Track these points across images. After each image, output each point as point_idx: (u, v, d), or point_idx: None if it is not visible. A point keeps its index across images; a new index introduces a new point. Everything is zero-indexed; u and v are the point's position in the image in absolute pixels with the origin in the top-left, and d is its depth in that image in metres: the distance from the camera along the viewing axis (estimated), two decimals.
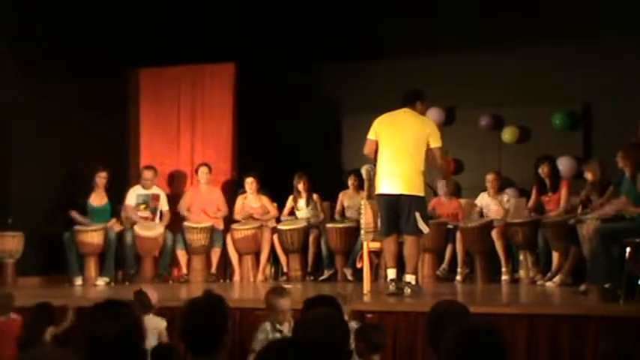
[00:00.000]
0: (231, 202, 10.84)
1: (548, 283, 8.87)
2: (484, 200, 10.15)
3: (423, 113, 8.15)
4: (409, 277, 7.76)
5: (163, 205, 10.76)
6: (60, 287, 9.73)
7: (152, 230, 10.36)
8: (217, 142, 11.37)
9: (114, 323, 3.46)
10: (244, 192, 10.78)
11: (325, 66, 11.75)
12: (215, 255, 10.53)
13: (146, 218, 10.56)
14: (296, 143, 11.54)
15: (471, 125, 11.21)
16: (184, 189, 11.25)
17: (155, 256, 10.42)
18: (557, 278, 8.82)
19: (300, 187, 10.62)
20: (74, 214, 10.31)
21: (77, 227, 10.16)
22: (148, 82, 11.68)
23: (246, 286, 10.11)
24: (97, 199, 10.48)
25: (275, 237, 10.46)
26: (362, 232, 8.25)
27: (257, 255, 10.47)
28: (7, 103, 10.13)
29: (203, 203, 10.78)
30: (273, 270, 10.71)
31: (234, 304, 6.53)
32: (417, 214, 7.70)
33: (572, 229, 8.55)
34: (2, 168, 10.11)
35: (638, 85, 10.00)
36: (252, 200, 10.75)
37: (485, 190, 10.19)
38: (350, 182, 10.61)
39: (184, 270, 10.46)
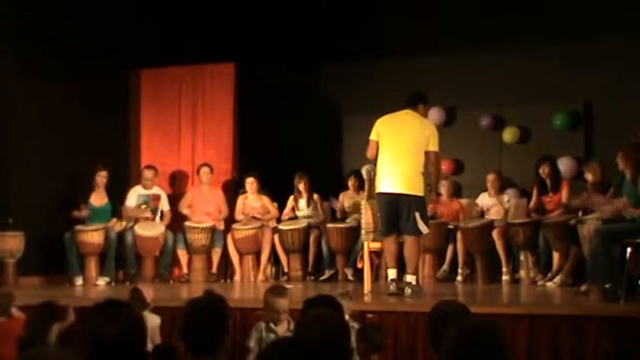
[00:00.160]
0: (231, 202, 10.84)
1: (548, 284, 8.87)
2: (485, 200, 10.15)
3: (424, 116, 8.19)
4: (410, 278, 7.77)
5: (164, 205, 10.76)
6: (61, 287, 9.73)
7: (153, 230, 10.36)
8: (218, 142, 11.37)
9: (116, 323, 3.46)
10: (245, 192, 10.78)
11: (325, 66, 11.74)
12: (216, 255, 10.53)
13: (147, 218, 10.56)
14: (296, 143, 11.54)
15: (471, 125, 11.20)
16: (185, 189, 11.25)
17: (156, 255, 10.42)
18: (557, 278, 8.82)
19: (301, 187, 10.62)
20: (75, 214, 10.30)
21: (78, 227, 10.16)
22: (149, 82, 11.68)
23: (247, 286, 10.11)
24: (98, 199, 10.48)
25: (276, 237, 10.46)
26: (362, 232, 8.26)
27: (258, 255, 10.47)
28: (7, 103, 10.13)
29: (205, 204, 10.78)
30: (273, 270, 10.71)
31: (234, 304, 6.53)
32: (417, 214, 7.70)
33: (572, 230, 8.56)
34: (3, 168, 10.11)
35: (639, 85, 9.99)
36: (252, 200, 10.75)
37: (485, 190, 10.19)
38: (350, 183, 10.61)
39: (185, 270, 10.47)
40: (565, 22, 10.40)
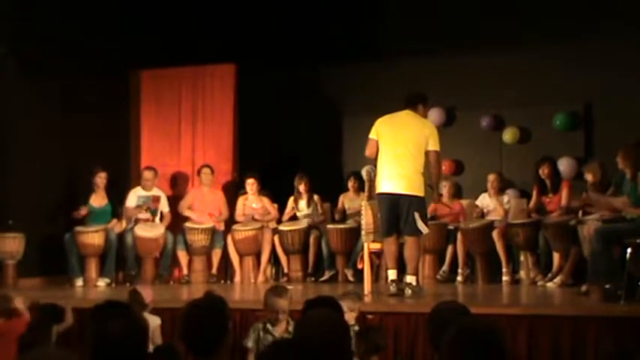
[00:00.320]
0: (232, 203, 10.84)
1: (548, 284, 8.87)
2: (485, 201, 10.15)
3: (424, 116, 8.20)
4: (410, 278, 7.76)
5: (164, 206, 10.76)
6: (61, 288, 9.73)
7: (153, 231, 10.36)
8: (218, 143, 11.37)
9: (118, 323, 3.46)
10: (245, 193, 10.78)
11: (326, 67, 11.74)
12: (216, 256, 10.53)
13: (146, 220, 10.56)
14: (297, 144, 11.55)
15: (471, 126, 11.20)
16: (186, 190, 11.24)
17: (156, 257, 10.41)
18: (557, 279, 8.82)
19: (301, 188, 10.62)
20: (75, 214, 10.29)
21: (78, 228, 10.16)
22: (149, 82, 11.68)
23: (247, 287, 10.11)
24: (98, 200, 10.48)
25: (276, 238, 10.46)
26: (363, 233, 8.25)
27: (258, 256, 10.47)
28: (7, 104, 10.13)
29: (205, 205, 10.77)
30: (273, 271, 10.71)
31: (234, 305, 6.54)
32: (417, 215, 7.70)
33: (572, 230, 8.56)
34: (3, 169, 10.11)
35: (639, 86, 9.99)
36: (253, 201, 10.75)
37: (486, 190, 10.19)
38: (350, 184, 10.61)
39: (185, 271, 10.46)
40: (565, 23, 10.40)
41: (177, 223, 10.68)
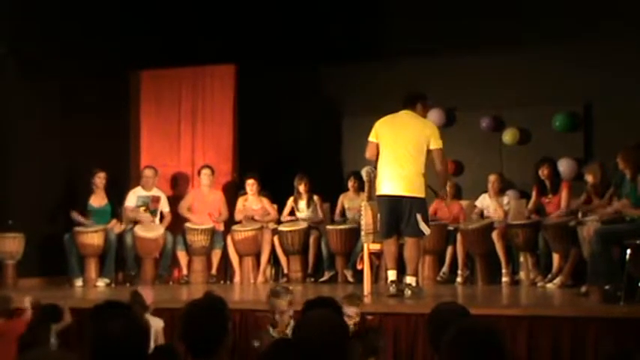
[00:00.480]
0: (231, 204, 10.83)
1: (548, 285, 8.86)
2: (485, 202, 10.15)
3: (423, 115, 8.16)
4: (410, 279, 7.76)
5: (164, 206, 10.75)
6: (60, 288, 9.73)
7: (152, 231, 10.36)
8: (218, 144, 11.37)
9: (119, 323, 3.46)
10: (245, 193, 10.77)
11: (326, 67, 11.74)
12: (216, 256, 10.53)
13: (146, 220, 10.54)
14: (296, 145, 11.56)
15: (471, 127, 11.19)
16: (186, 191, 11.24)
17: (155, 257, 10.41)
18: (557, 280, 8.82)
19: (301, 188, 10.62)
20: (75, 215, 10.30)
21: (77, 228, 10.16)
22: (149, 83, 11.68)
23: (247, 287, 10.11)
24: (97, 200, 10.48)
25: (275, 238, 10.46)
26: (362, 233, 8.25)
27: (257, 256, 10.47)
28: (7, 104, 10.13)
29: (205, 206, 10.77)
30: (273, 271, 10.71)
31: (234, 305, 6.54)
32: (419, 216, 7.69)
33: (572, 231, 8.56)
34: (3, 169, 10.11)
35: (639, 86, 9.99)
36: (252, 202, 10.74)
37: (486, 191, 10.19)
38: (350, 184, 10.61)
39: (185, 271, 10.46)
40: (565, 23, 10.40)
41: (177, 223, 10.68)
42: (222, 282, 10.49)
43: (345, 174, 11.05)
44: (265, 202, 10.78)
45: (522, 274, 9.44)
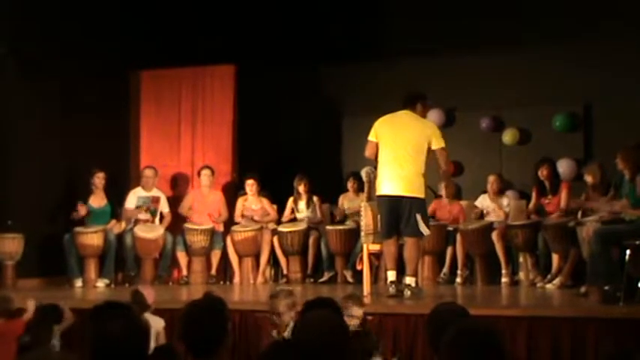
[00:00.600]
0: (231, 204, 10.83)
1: (548, 285, 8.86)
2: (484, 202, 10.15)
3: (423, 115, 8.15)
4: (409, 280, 7.75)
5: (164, 207, 10.75)
6: (60, 289, 9.73)
7: (152, 232, 10.36)
8: (218, 144, 11.37)
9: (119, 324, 3.46)
10: (245, 194, 10.77)
11: (325, 67, 11.74)
12: (215, 257, 10.52)
13: (146, 220, 10.55)
14: (296, 145, 11.56)
15: (471, 127, 11.20)
16: (185, 191, 11.24)
17: (155, 257, 10.41)
18: (557, 280, 8.82)
19: (301, 188, 10.62)
20: (74, 214, 10.28)
21: (77, 229, 10.15)
22: (149, 83, 11.68)
23: (246, 288, 10.11)
24: (97, 201, 10.47)
25: (275, 239, 10.46)
26: (362, 234, 8.24)
27: (257, 257, 10.46)
28: (7, 104, 10.13)
29: (205, 206, 10.77)
30: (273, 272, 10.70)
31: (234, 306, 6.54)
32: (418, 216, 7.69)
33: (572, 232, 8.55)
34: (2, 169, 10.11)
35: (639, 87, 9.99)
36: (252, 202, 10.75)
37: (485, 191, 10.19)
38: (349, 185, 10.61)
39: (184, 272, 10.46)
40: (565, 24, 10.40)
41: (176, 223, 10.68)
42: (221, 282, 10.49)
43: (345, 174, 11.04)
44: (265, 202, 10.78)
45: (522, 275, 9.44)
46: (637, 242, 7.24)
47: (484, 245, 9.63)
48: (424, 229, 7.75)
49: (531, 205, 9.73)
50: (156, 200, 10.67)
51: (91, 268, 10.16)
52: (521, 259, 9.46)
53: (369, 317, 6.74)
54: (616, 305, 6.85)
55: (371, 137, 7.94)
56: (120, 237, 10.29)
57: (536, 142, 10.91)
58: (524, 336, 6.53)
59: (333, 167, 11.70)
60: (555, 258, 9.03)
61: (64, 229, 10.27)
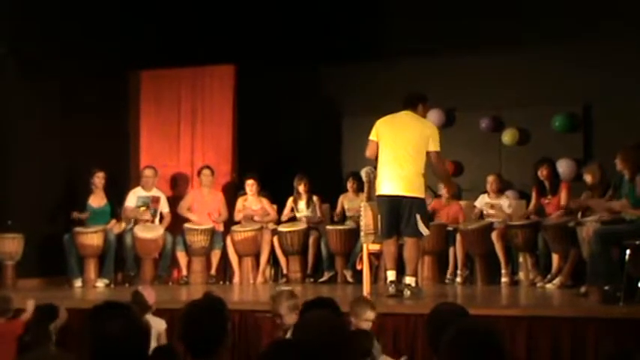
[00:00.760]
0: (231, 204, 10.83)
1: (548, 285, 8.86)
2: (484, 202, 10.14)
3: (423, 116, 8.16)
4: (409, 279, 7.75)
5: (163, 207, 10.74)
6: (60, 289, 9.73)
7: (152, 232, 10.36)
8: (217, 144, 11.37)
9: (118, 324, 3.46)
10: (244, 193, 10.77)
11: (325, 67, 11.74)
12: (215, 257, 10.52)
13: (146, 220, 10.55)
14: (296, 145, 11.56)
15: (471, 127, 11.20)
16: (185, 191, 11.23)
17: (155, 257, 10.41)
18: (557, 280, 8.82)
19: (301, 188, 10.62)
20: (75, 214, 10.28)
21: (77, 229, 10.15)
22: (149, 83, 11.68)
23: (246, 288, 10.11)
24: (97, 200, 10.47)
25: (275, 239, 10.45)
26: (362, 234, 8.25)
27: (257, 257, 10.46)
28: (7, 104, 10.13)
29: (205, 206, 10.76)
30: (272, 272, 10.70)
31: (234, 306, 6.54)
32: (418, 216, 7.69)
33: (572, 232, 8.55)
34: (2, 169, 10.10)
35: (639, 87, 9.99)
36: (252, 202, 10.75)
37: (485, 192, 10.19)
38: (349, 185, 10.60)
39: (184, 272, 10.46)
40: (564, 24, 10.41)
41: (176, 223, 10.68)
42: (221, 282, 10.49)
43: (345, 174, 11.04)
44: (265, 202, 10.78)
45: (522, 275, 9.44)
46: (637, 242, 7.24)
47: (484, 245, 9.63)
48: (424, 230, 7.75)
49: (531, 205, 9.73)
50: (156, 200, 10.67)
51: (91, 268, 10.15)
52: (521, 259, 9.47)
53: None
54: (616, 305, 6.85)
55: (372, 137, 7.94)
56: (120, 237, 10.29)
57: (536, 142, 10.91)
58: (524, 336, 6.53)
59: (333, 167, 11.70)
60: (555, 258, 9.03)
61: (64, 229, 10.27)
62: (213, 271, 10.50)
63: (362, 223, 8.21)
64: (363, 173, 8.43)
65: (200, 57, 11.35)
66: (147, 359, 3.72)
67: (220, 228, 10.69)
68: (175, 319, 5.72)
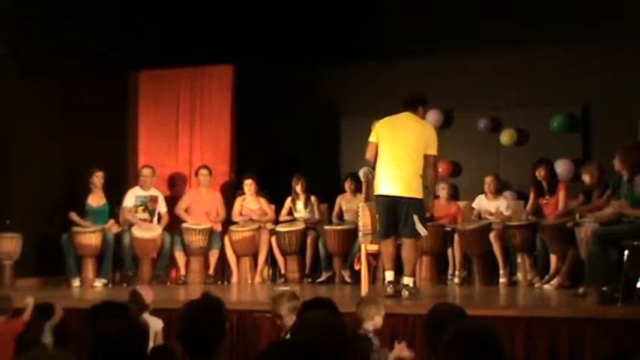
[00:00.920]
0: (229, 204, 10.83)
1: (546, 286, 8.86)
2: (482, 203, 10.14)
3: (423, 117, 8.17)
4: (407, 280, 7.76)
5: (161, 207, 10.74)
6: (58, 289, 9.72)
7: (150, 232, 10.35)
8: (216, 144, 11.37)
9: (116, 324, 3.46)
10: (243, 193, 10.77)
11: (324, 68, 11.74)
12: (213, 256, 10.52)
13: (144, 220, 10.55)
14: (294, 145, 11.56)
15: (469, 128, 11.21)
16: (183, 191, 11.24)
17: (153, 257, 10.41)
18: (555, 281, 8.82)
19: (299, 188, 10.62)
20: (73, 216, 10.29)
21: (75, 229, 10.15)
22: (148, 83, 11.68)
23: (244, 287, 10.11)
24: (95, 200, 10.47)
25: (273, 239, 10.46)
26: (360, 234, 8.25)
27: (255, 257, 10.47)
28: (7, 104, 10.13)
29: (203, 206, 10.76)
30: (270, 272, 10.70)
31: (232, 305, 6.54)
32: (416, 217, 7.70)
33: (570, 232, 8.55)
34: (1, 169, 10.10)
35: (638, 88, 9.99)
36: (250, 202, 10.75)
37: (483, 192, 10.19)
38: (347, 185, 10.60)
39: (182, 271, 10.46)
40: (563, 25, 10.41)
41: (174, 223, 10.68)
42: (219, 282, 10.49)
43: (343, 175, 11.04)
44: (263, 202, 10.78)
45: (520, 275, 9.44)
46: (635, 243, 7.24)
47: (482, 246, 9.63)
48: (421, 230, 7.75)
49: (529, 205, 9.72)
50: (154, 200, 10.67)
51: (89, 267, 10.15)
52: (519, 260, 9.47)
53: None
54: (614, 306, 6.85)
55: (372, 139, 7.95)
56: (118, 237, 10.29)
57: (534, 142, 10.91)
58: (522, 336, 6.53)
59: (332, 168, 11.70)
60: (553, 258, 9.03)
61: (63, 228, 10.27)
62: (211, 271, 10.51)
63: (360, 224, 8.22)
64: (361, 174, 8.44)
65: (199, 57, 11.35)
66: (145, 359, 3.72)
67: (218, 228, 10.70)
68: (173, 319, 5.71)
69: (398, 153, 7.74)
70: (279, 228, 10.46)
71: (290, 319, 5.58)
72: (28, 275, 10.06)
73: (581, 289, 7.70)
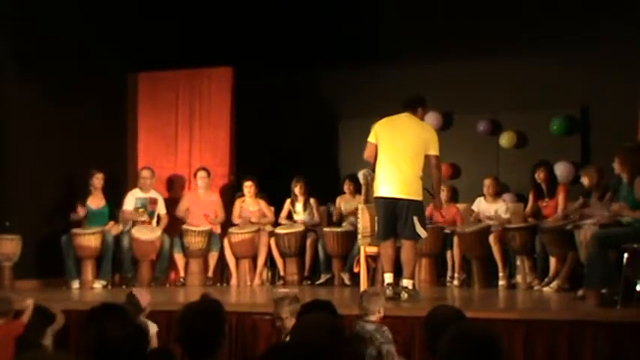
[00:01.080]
0: (229, 206, 10.83)
1: (545, 289, 8.86)
2: (481, 205, 10.13)
3: (422, 119, 8.16)
4: (406, 282, 7.76)
5: (161, 208, 10.74)
6: (57, 290, 9.72)
7: (149, 234, 10.35)
8: (215, 146, 11.37)
9: (117, 326, 3.46)
10: (242, 195, 10.77)
11: (323, 70, 11.73)
12: (212, 259, 10.52)
13: (144, 222, 10.55)
14: (293, 147, 11.55)
15: (468, 130, 11.21)
16: (182, 193, 11.23)
17: (152, 259, 10.40)
18: (554, 283, 8.82)
19: (297, 190, 10.62)
20: (72, 215, 10.27)
21: (75, 230, 10.14)
22: (147, 85, 11.68)
23: (243, 290, 10.10)
24: (95, 202, 10.46)
25: (272, 241, 10.45)
26: (359, 236, 8.25)
27: (254, 259, 10.47)
28: (7, 104, 10.13)
29: (202, 208, 10.76)
30: (270, 274, 10.70)
31: (231, 308, 6.53)
32: (415, 219, 7.69)
33: (569, 235, 8.55)
34: (0, 170, 10.09)
35: (637, 90, 9.99)
36: (250, 204, 10.74)
37: (482, 195, 10.18)
38: (346, 187, 10.59)
39: (182, 273, 10.46)
40: (562, 27, 10.41)
41: (173, 225, 10.68)
42: (218, 284, 10.49)
43: (342, 177, 11.04)
44: (262, 204, 10.78)
45: (519, 278, 9.43)
46: (635, 245, 7.23)
47: (481, 248, 9.63)
48: (421, 232, 7.75)
49: (528, 208, 9.72)
50: (153, 202, 10.67)
51: (89, 269, 10.14)
52: (518, 262, 9.46)
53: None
54: (613, 308, 6.85)
55: (371, 139, 7.94)
56: (117, 238, 10.28)
57: (534, 145, 10.92)
58: (522, 339, 6.53)
59: (330, 169, 11.70)
60: (553, 261, 9.03)
61: (62, 230, 10.26)
62: (210, 273, 10.51)
63: (359, 226, 8.22)
64: (361, 176, 8.45)
65: (198, 59, 11.35)
66: None
67: (217, 230, 10.69)
68: (172, 321, 5.71)
69: (398, 155, 7.74)
70: (279, 230, 10.45)
71: (291, 322, 5.57)
72: (27, 277, 10.05)
73: (580, 292, 7.69)
